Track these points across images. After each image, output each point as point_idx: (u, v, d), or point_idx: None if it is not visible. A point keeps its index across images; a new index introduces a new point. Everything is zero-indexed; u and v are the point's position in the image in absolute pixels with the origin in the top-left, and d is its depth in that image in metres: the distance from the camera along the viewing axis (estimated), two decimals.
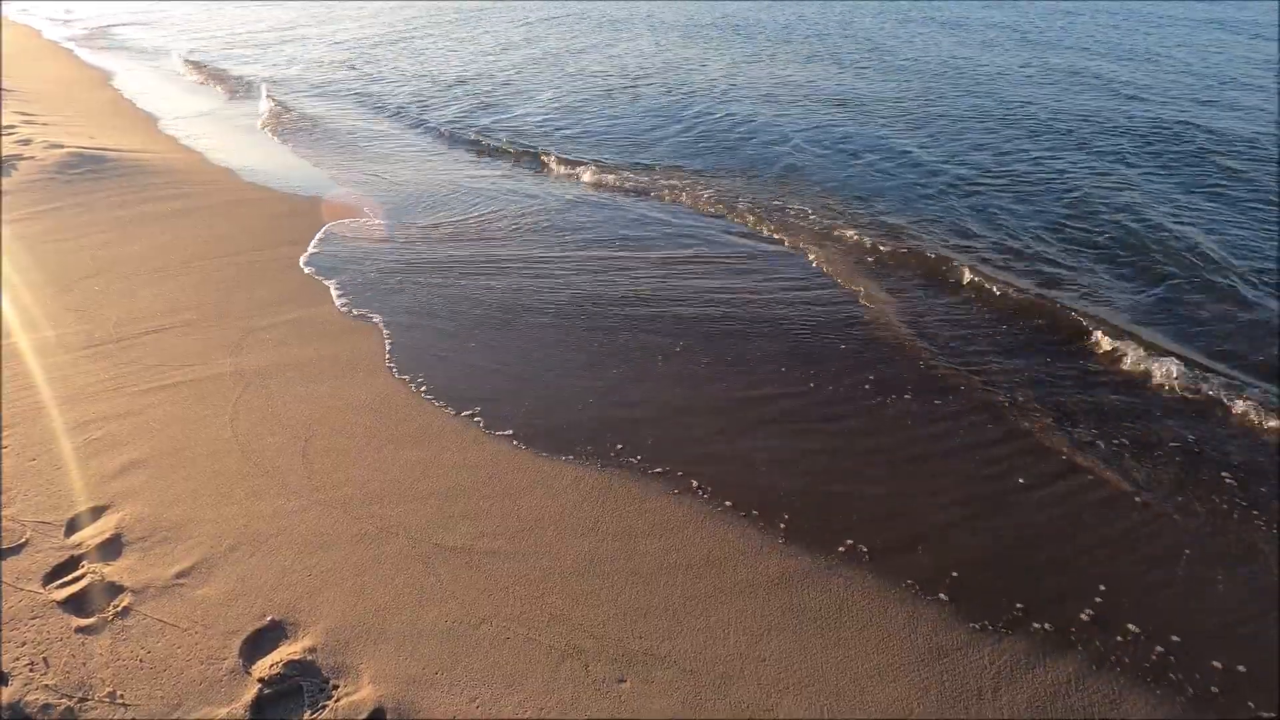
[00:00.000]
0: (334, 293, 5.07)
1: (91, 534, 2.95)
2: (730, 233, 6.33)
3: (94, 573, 2.76)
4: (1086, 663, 2.49)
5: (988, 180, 7.45)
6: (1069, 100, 10.52)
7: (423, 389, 3.97)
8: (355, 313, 4.80)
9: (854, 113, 10.14)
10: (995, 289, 5.13)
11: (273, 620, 2.60)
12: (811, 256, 5.78)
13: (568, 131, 9.70)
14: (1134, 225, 6.21)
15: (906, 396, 3.95)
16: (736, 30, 17.56)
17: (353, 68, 14.26)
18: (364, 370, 4.14)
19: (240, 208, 6.77)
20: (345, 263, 5.57)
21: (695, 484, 3.28)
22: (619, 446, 3.52)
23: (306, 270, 5.43)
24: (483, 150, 9.06)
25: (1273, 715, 2.26)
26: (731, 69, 13.16)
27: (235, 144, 9.22)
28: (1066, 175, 7.53)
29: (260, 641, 2.53)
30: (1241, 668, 2.48)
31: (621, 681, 2.41)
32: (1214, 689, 2.41)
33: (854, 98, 10.96)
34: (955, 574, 2.83)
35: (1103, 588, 2.78)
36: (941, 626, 2.62)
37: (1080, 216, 6.47)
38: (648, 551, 2.92)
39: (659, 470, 3.37)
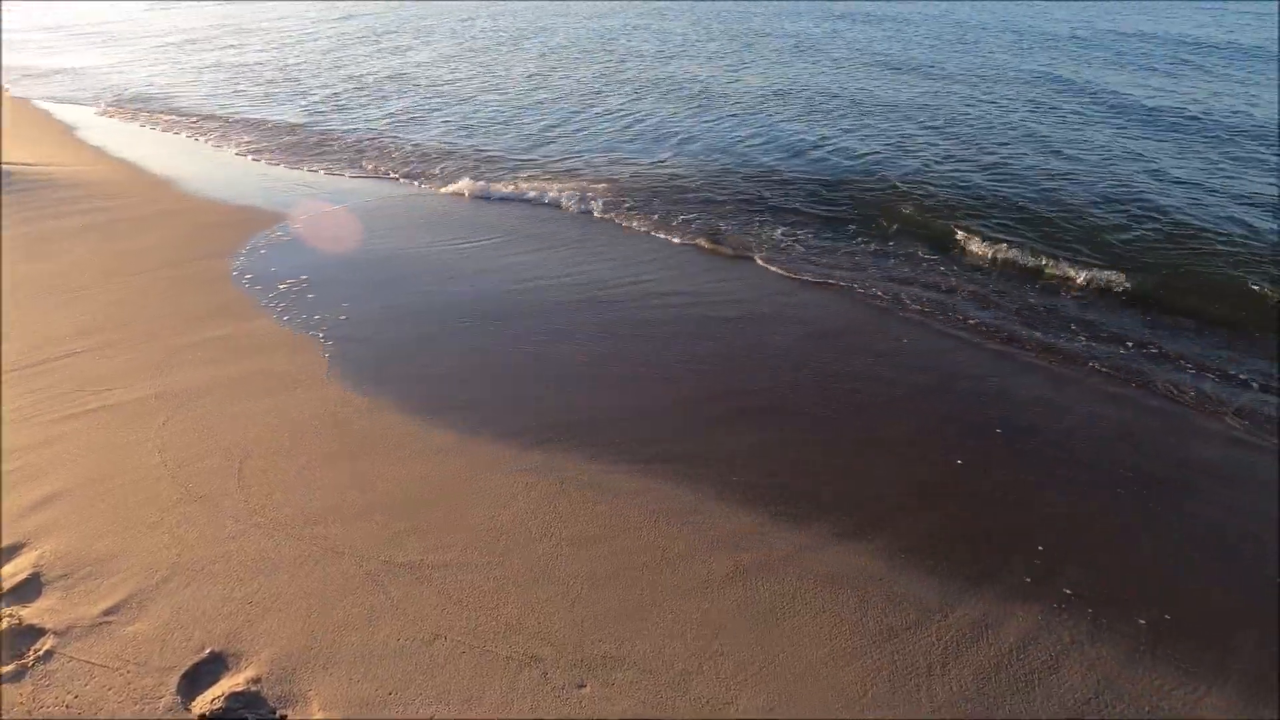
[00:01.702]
0: (269, 304, 4.87)
1: (5, 575, 2.75)
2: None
3: (10, 616, 2.58)
4: (1027, 630, 2.60)
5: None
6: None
7: (365, 401, 3.85)
8: (292, 324, 4.62)
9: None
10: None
11: (213, 652, 2.48)
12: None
13: (507, 137, 9.59)
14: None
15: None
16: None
17: (274, 74, 13.76)
18: (303, 385, 3.99)
19: (165, 220, 6.44)
20: (281, 272, 5.36)
21: (648, 484, 3.28)
22: (570, 451, 3.49)
23: (238, 282, 5.20)
24: (416, 157, 8.85)
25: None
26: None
27: (155, 152, 8.75)
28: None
29: (199, 676, 2.41)
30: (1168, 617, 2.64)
31: (581, 687, 2.39)
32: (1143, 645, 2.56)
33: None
34: (903, 555, 2.92)
35: (1040, 548, 2.92)
36: (890, 608, 2.69)
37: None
38: (602, 555, 2.91)
39: (611, 473, 3.36)
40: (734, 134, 9.21)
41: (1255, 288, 5.15)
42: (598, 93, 11.52)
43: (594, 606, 2.68)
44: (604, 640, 2.55)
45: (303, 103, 11.34)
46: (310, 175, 8.04)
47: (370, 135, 9.57)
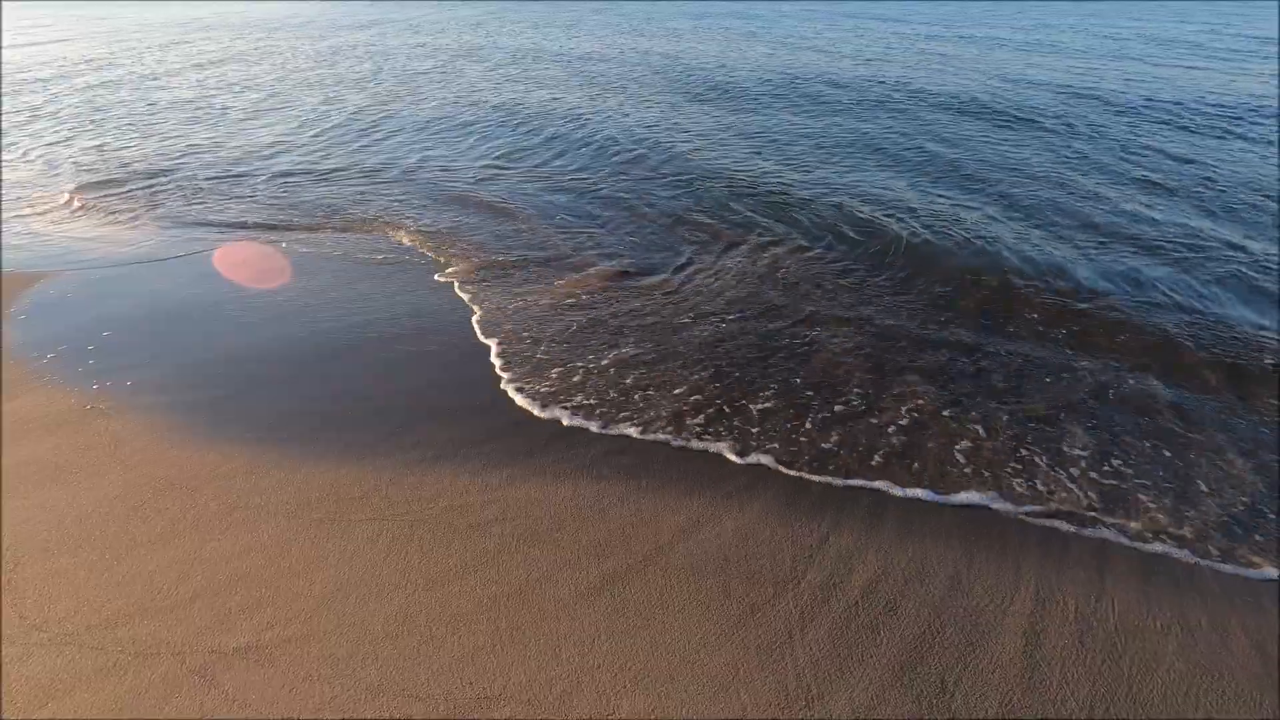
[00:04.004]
0: (36, 376, 4.12)
1: None
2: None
3: None
4: (867, 580, 2.86)
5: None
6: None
7: (169, 473, 3.38)
8: (69, 396, 3.95)
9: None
10: None
11: None
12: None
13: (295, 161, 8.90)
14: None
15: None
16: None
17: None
18: (89, 464, 3.43)
19: None
20: (49, 338, 4.56)
21: (501, 511, 3.20)
22: (412, 490, 3.30)
23: None
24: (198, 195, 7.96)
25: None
26: None
27: None
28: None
29: None
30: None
31: None
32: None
33: None
34: (754, 530, 3.09)
35: (869, 498, 3.23)
36: (749, 585, 2.84)
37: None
38: (463, 592, 2.78)
39: (461, 505, 3.23)
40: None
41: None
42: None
43: (462, 648, 2.56)
44: (476, 681, 2.44)
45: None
46: (69, 226, 6.94)
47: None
